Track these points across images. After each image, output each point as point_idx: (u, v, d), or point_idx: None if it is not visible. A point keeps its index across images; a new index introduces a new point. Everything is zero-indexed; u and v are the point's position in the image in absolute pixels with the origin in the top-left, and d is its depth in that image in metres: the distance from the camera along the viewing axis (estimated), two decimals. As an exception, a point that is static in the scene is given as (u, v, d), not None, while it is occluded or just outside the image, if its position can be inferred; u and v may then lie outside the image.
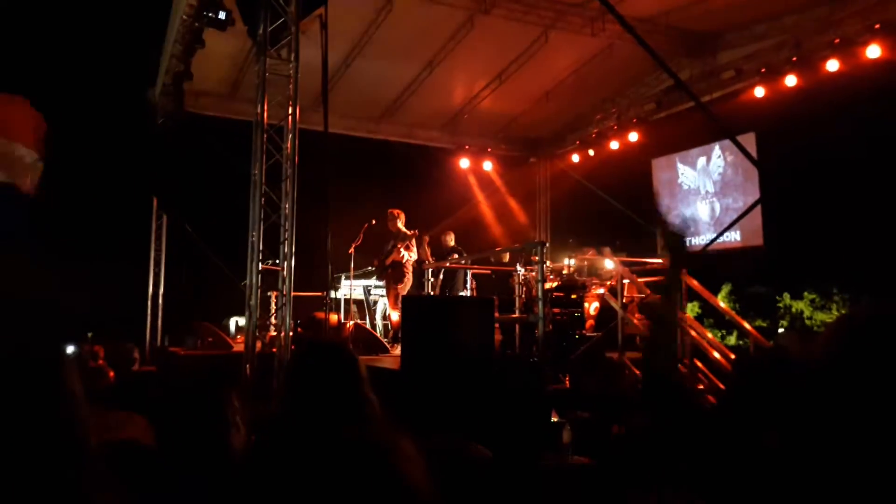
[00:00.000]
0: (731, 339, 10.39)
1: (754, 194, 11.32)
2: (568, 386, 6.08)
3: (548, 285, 7.01)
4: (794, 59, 9.87)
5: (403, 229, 9.53)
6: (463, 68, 11.46)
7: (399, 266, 9.24)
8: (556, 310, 7.33)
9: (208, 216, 12.24)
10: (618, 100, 12.87)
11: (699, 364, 7.10)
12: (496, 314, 6.52)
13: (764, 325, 10.60)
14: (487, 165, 14.15)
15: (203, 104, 12.03)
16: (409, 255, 9.28)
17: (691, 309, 9.70)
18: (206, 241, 11.70)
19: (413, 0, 9.29)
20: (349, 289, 10.90)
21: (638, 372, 6.66)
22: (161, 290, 12.31)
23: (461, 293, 9.58)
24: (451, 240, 10.37)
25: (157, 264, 12.37)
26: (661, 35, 10.33)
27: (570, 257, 8.55)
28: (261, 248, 6.77)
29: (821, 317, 10.70)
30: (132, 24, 12.00)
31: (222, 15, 8.41)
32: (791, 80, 9.90)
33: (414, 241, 9.40)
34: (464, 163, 13.89)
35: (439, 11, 9.67)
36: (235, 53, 10.73)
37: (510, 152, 14.80)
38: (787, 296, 11.27)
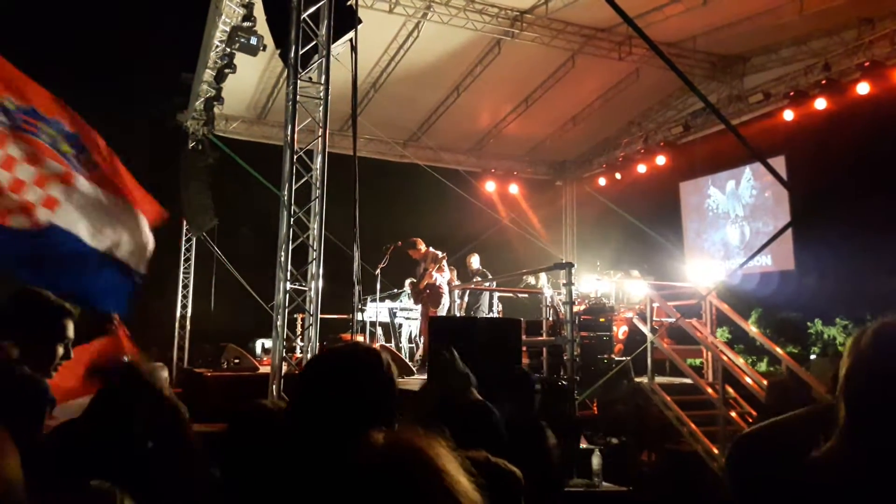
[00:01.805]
0: (763, 366, 10.16)
1: (785, 218, 11.14)
2: (597, 411, 5.98)
3: (575, 308, 6.94)
4: (823, 81, 9.78)
5: (433, 251, 9.55)
6: (490, 92, 11.54)
7: (435, 289, 9.24)
8: (584, 333, 7.24)
9: (236, 238, 12.39)
10: (644, 123, 12.86)
11: (730, 390, 6.94)
12: (523, 336, 6.46)
13: (795, 351, 10.35)
14: (513, 188, 14.16)
15: (232, 128, 12.28)
16: (442, 277, 9.29)
17: (721, 334, 9.52)
18: (233, 264, 11.82)
19: (440, 25, 9.42)
20: (375, 311, 10.89)
21: (668, 397, 6.54)
22: (189, 313, 12.43)
23: (487, 315, 9.52)
24: (476, 262, 10.34)
25: (185, 286, 12.51)
26: (689, 59, 10.34)
27: (598, 280, 8.47)
28: (289, 269, 6.80)
29: (854, 343, 10.42)
30: (167, 49, 12.30)
31: (254, 40, 8.61)
32: (820, 104, 9.79)
33: (444, 263, 9.41)
34: (490, 186, 13.93)
35: (466, 36, 9.79)
36: (264, 80, 10.95)
37: (536, 175, 14.83)
38: (818, 322, 11.01)
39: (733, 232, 12.61)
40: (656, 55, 6.58)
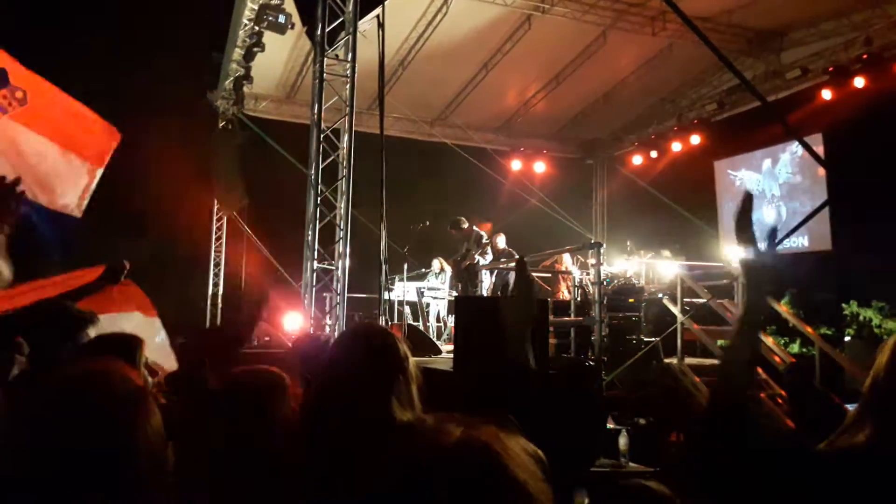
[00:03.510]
0: (795, 347, 9.97)
1: (823, 198, 10.84)
2: (625, 392, 5.94)
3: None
4: (865, 56, 9.44)
5: (477, 231, 9.57)
6: (519, 70, 11.38)
7: (473, 269, 9.27)
8: (613, 313, 7.17)
9: (267, 217, 12.48)
10: (678, 100, 12.58)
11: (760, 371, 6.83)
12: (550, 316, 6.42)
13: (829, 332, 10.13)
14: (542, 167, 13.99)
15: (261, 107, 12.32)
16: (484, 260, 9.33)
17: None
18: (264, 243, 11.93)
19: (469, 0, 9.29)
20: (403, 290, 10.93)
21: (697, 378, 6.46)
22: (220, 291, 12.62)
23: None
24: (502, 242, 10.29)
25: (217, 265, 12.69)
26: (723, 34, 10.05)
27: (627, 259, 8.36)
28: (316, 247, 6.84)
29: (891, 325, 10.16)
30: (196, 28, 12.34)
31: (282, 18, 8.61)
32: (860, 82, 9.47)
33: (489, 247, 9.42)
34: (518, 164, 13.78)
35: (496, 12, 9.64)
36: (293, 58, 10.94)
37: (566, 154, 14.63)
38: (854, 303, 10.74)
39: (769, 212, 12.31)
40: (690, 30, 6.42)
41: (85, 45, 12.41)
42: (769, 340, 7.25)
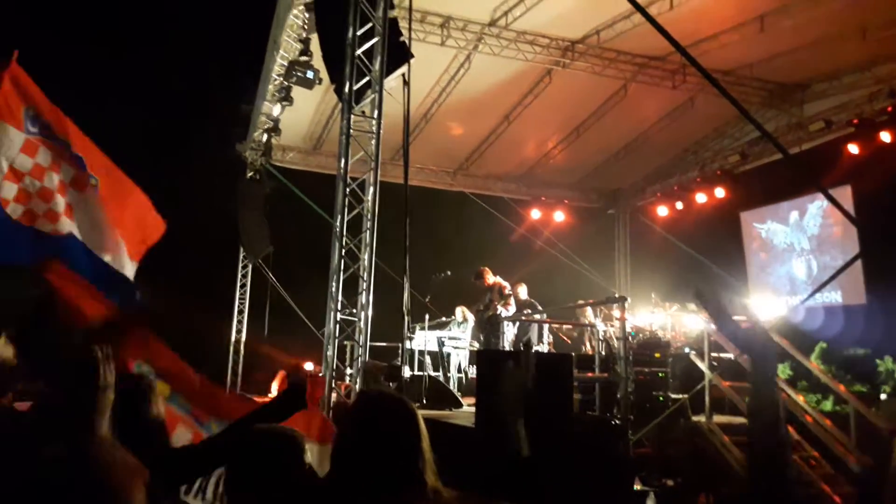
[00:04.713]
0: (828, 405, 9.67)
1: (854, 251, 10.64)
2: (652, 451, 5.78)
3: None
4: (889, 109, 9.42)
5: (500, 282, 9.56)
6: (540, 121, 11.53)
7: (496, 320, 9.23)
8: (638, 368, 7.04)
9: (291, 265, 12.61)
10: (700, 152, 12.60)
11: (792, 431, 6.62)
12: (574, 372, 6.33)
13: (864, 389, 9.82)
14: (563, 217, 13.99)
15: (289, 158, 12.58)
16: (507, 312, 9.30)
17: (782, 370, 9.12)
18: (287, 291, 12.02)
19: (491, 56, 9.49)
20: (424, 340, 10.87)
21: (727, 438, 6.28)
22: (243, 338, 12.67)
23: (536, 348, 9.39)
24: (524, 292, 10.24)
25: (241, 312, 12.78)
26: (745, 86, 10.12)
27: (652, 312, 8.25)
28: (339, 298, 6.86)
29: (927, 384, 9.84)
30: (228, 82, 12.74)
31: (310, 74, 8.86)
32: (886, 136, 9.43)
33: (511, 298, 9.39)
34: (539, 214, 13.80)
35: (517, 66, 9.83)
36: (320, 111, 11.21)
37: (587, 203, 14.65)
38: (889, 359, 10.44)
39: (799, 266, 12.09)
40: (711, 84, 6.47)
41: (119, 89, 12.86)
42: (800, 399, 7.05)
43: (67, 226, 3.78)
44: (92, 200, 3.93)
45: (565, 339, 9.97)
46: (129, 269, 4.09)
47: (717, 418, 6.73)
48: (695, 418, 6.58)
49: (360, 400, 2.09)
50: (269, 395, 9.62)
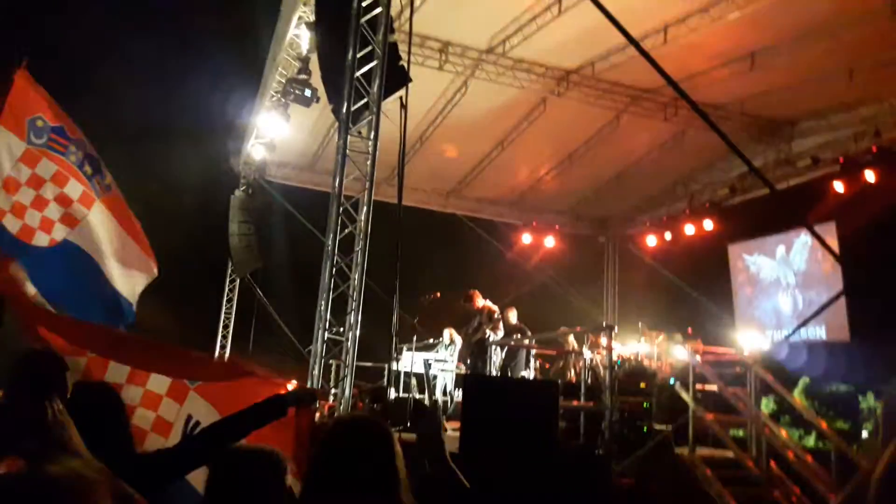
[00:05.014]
0: (811, 440, 9.71)
1: (839, 288, 10.76)
2: (634, 483, 5.77)
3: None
4: (874, 149, 9.60)
5: (489, 306, 9.57)
6: (533, 147, 11.66)
7: (484, 344, 9.23)
8: (623, 397, 7.05)
9: (280, 282, 12.58)
10: (689, 184, 12.75)
11: (774, 466, 6.64)
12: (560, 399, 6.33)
13: (846, 427, 9.88)
14: (553, 242, 14.07)
15: (283, 174, 12.60)
16: (495, 336, 9.30)
17: (766, 404, 9.18)
18: (275, 307, 11.97)
19: (488, 82, 9.61)
20: (410, 361, 10.84)
21: (709, 471, 6.29)
22: (227, 353, 12.58)
23: (523, 373, 9.39)
24: (513, 317, 10.26)
25: (226, 326, 12.70)
26: (735, 121, 10.29)
27: (639, 341, 8.29)
28: (328, 317, 6.85)
29: (909, 421, 9.90)
30: (224, 97, 12.79)
31: (308, 92, 8.92)
32: (870, 175, 9.61)
33: (500, 322, 9.40)
34: (530, 239, 13.88)
35: (512, 93, 9.95)
36: (316, 128, 11.26)
37: (578, 230, 14.75)
38: (871, 395, 10.51)
39: (785, 300, 12.18)
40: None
41: (114, 100, 12.86)
42: (783, 433, 7.08)
43: (62, 232, 3.76)
44: (102, 214, 3.93)
45: (546, 365, 9.99)
46: (145, 275, 4.09)
47: (702, 451, 6.75)
48: (679, 450, 6.59)
49: (334, 422, 2.14)
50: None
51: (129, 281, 4.03)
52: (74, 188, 3.87)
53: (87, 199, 3.91)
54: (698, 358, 7.46)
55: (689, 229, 12.38)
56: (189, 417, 3.05)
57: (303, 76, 8.91)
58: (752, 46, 8.73)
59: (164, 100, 14.08)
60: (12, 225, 3.61)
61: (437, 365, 10.68)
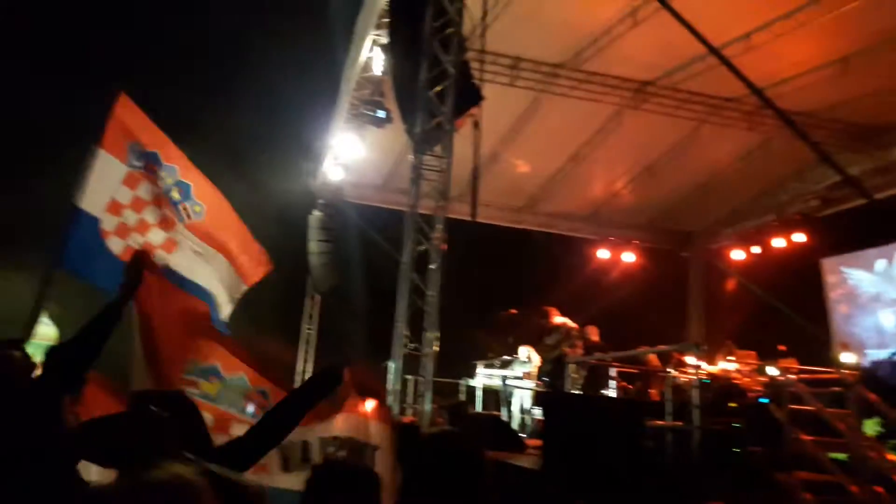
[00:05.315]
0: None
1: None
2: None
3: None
4: None
5: (568, 325, 9.43)
6: (609, 160, 11.43)
7: (562, 362, 9.09)
8: (713, 418, 6.73)
9: (356, 297, 12.79)
10: (778, 194, 12.14)
11: (881, 491, 6.16)
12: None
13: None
14: (633, 258, 13.62)
15: (358, 193, 12.84)
16: (575, 354, 9.16)
17: (870, 426, 8.56)
18: (353, 321, 12.19)
19: (561, 97, 9.50)
20: (485, 378, 10.75)
21: (809, 496, 5.90)
22: (310, 368, 12.86)
23: (604, 392, 9.13)
24: (594, 335, 10.02)
25: (307, 342, 12.99)
26: (825, 129, 9.74)
27: (727, 360, 7.93)
28: (405, 332, 6.89)
29: None
30: (301, 120, 13.20)
31: (381, 114, 9.10)
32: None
33: (579, 340, 9.25)
34: (608, 254, 13.50)
35: (587, 107, 9.80)
36: (390, 148, 11.44)
37: (659, 245, 14.24)
38: None
39: (887, 317, 11.35)
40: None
41: (198, 128, 13.48)
42: (890, 457, 6.58)
43: (163, 258, 3.90)
44: (188, 229, 4.07)
45: (628, 385, 9.67)
46: (237, 295, 4.21)
47: (799, 474, 6.35)
48: (776, 475, 6.21)
49: (425, 440, 2.15)
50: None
51: (222, 304, 4.16)
52: (169, 213, 4.03)
53: (172, 225, 4.06)
54: (792, 377, 7.04)
55: (779, 242, 11.76)
56: None
57: (376, 97, 9.10)
58: (844, 50, 8.31)
59: (246, 127, 14.66)
60: (115, 245, 3.79)
61: (514, 382, 10.56)
